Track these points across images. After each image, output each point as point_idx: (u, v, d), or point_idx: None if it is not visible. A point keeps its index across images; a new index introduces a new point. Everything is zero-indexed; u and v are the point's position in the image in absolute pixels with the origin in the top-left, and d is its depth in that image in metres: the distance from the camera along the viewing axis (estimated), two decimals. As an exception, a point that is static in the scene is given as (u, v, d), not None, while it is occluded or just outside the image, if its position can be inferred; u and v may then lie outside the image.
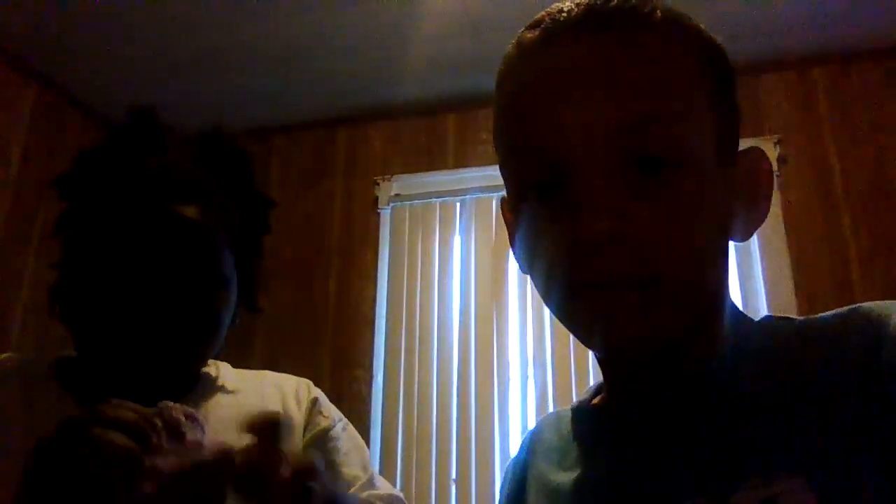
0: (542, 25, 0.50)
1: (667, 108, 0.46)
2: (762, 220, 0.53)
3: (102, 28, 2.19)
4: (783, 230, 2.19)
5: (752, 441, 0.43)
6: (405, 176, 2.57)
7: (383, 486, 0.91)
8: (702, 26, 0.51)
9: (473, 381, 2.28)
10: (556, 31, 0.49)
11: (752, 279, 2.19)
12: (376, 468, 1.96)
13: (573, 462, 0.56)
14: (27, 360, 0.88)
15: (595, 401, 0.59)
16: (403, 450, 2.28)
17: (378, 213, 2.56)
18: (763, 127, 2.30)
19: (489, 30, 2.19)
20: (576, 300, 0.47)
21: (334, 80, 2.51)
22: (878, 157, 2.20)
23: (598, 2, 0.48)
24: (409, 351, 2.37)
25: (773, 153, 2.25)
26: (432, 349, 2.35)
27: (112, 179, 0.85)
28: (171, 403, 0.59)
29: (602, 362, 0.55)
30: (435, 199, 2.52)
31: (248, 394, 0.91)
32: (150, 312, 0.79)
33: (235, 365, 0.96)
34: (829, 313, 0.48)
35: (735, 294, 2.23)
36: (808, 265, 2.15)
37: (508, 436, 2.22)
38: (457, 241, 2.49)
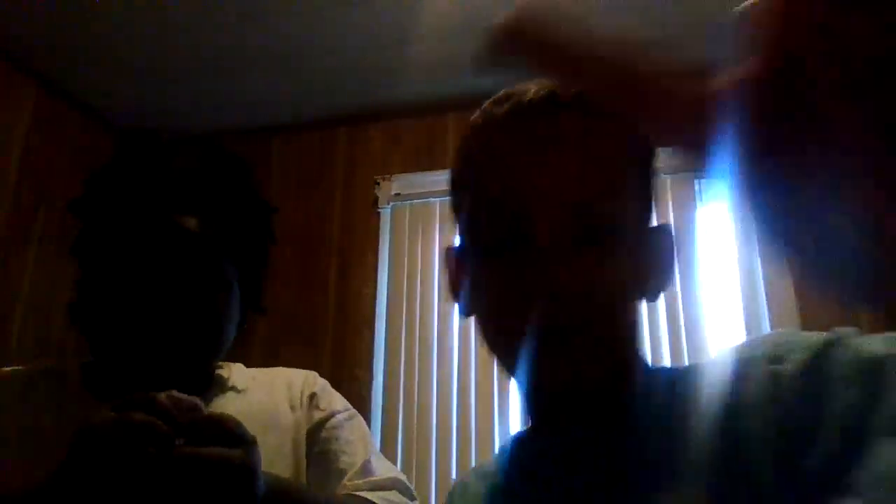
0: (511, 101, 0.58)
1: (612, 185, 0.55)
2: (667, 288, 0.61)
3: (103, 29, 2.20)
4: (783, 230, 2.19)
5: (659, 466, 0.51)
6: (405, 176, 2.57)
7: (382, 471, 0.92)
8: None
9: (473, 381, 2.28)
10: (523, 109, 0.56)
11: (752, 279, 2.19)
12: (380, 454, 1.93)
13: (507, 495, 0.62)
14: (55, 365, 0.93)
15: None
16: (403, 450, 2.28)
17: (378, 213, 2.56)
18: (763, 127, 2.30)
19: (489, 30, 2.19)
20: (529, 346, 0.54)
21: (334, 80, 2.51)
22: (878, 157, 2.20)
23: (559, 90, 0.55)
24: (409, 351, 2.37)
25: (773, 153, 2.25)
26: (432, 349, 2.35)
27: (119, 197, 0.89)
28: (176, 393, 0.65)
29: (534, 398, 0.61)
30: (435, 199, 2.52)
31: (256, 391, 0.95)
32: (156, 318, 0.83)
33: (240, 356, 1.00)
34: (711, 364, 0.55)
35: (735, 295, 2.24)
36: (808, 265, 2.15)
37: (508, 436, 2.21)
38: (457, 241, 2.48)
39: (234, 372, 0.97)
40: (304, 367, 1.05)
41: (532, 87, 0.57)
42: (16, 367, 0.91)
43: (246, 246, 0.93)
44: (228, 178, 0.95)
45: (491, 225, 0.56)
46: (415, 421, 2.29)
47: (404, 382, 2.35)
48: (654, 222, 0.61)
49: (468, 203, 0.59)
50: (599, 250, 0.54)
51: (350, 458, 0.91)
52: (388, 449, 2.28)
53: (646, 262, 0.58)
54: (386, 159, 2.64)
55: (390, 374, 2.37)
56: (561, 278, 0.52)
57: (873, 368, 0.41)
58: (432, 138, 2.60)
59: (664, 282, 0.61)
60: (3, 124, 2.29)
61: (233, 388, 0.94)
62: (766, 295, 2.16)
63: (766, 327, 2.12)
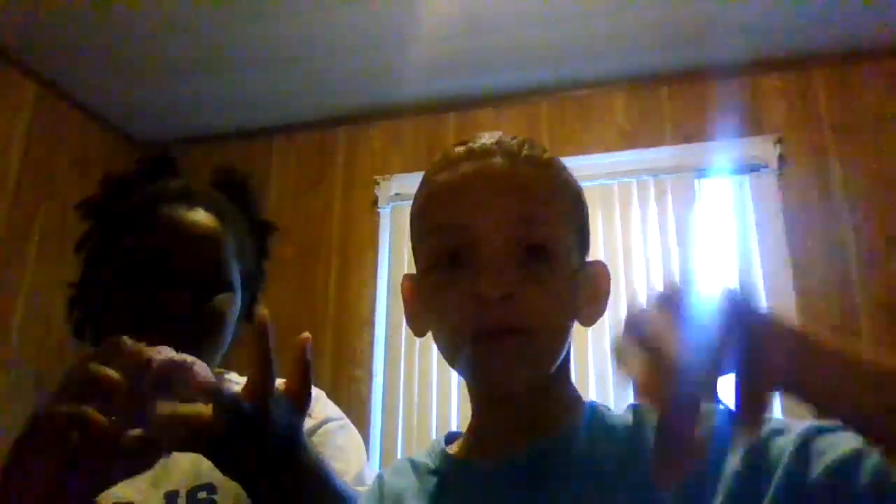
0: (467, 145, 0.68)
1: (549, 215, 0.65)
2: (601, 315, 0.69)
3: (102, 28, 2.20)
4: (783, 230, 2.19)
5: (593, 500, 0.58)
6: (405, 176, 2.56)
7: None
8: (569, 170, 0.71)
9: (473, 381, 2.28)
10: (476, 150, 0.66)
11: (751, 278, 2.19)
12: (376, 469, 1.94)
13: None
14: (45, 373, 0.93)
15: (455, 449, 0.70)
16: (403, 450, 2.28)
17: (378, 213, 2.56)
18: (763, 127, 2.30)
19: (489, 30, 2.19)
20: (474, 345, 0.61)
21: (334, 80, 2.51)
22: (878, 157, 2.20)
23: (507, 139, 0.67)
24: (409, 351, 2.38)
25: (773, 153, 2.25)
26: (432, 349, 2.35)
27: (133, 199, 0.92)
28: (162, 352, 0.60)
29: (476, 410, 0.69)
30: (435, 199, 2.51)
31: None
32: (160, 314, 0.82)
33: (234, 365, 1.00)
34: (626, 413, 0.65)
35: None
36: (808, 265, 2.15)
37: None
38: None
39: (231, 375, 0.98)
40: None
41: (485, 136, 0.68)
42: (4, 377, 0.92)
43: (249, 255, 0.96)
44: (238, 194, 0.99)
45: (445, 244, 0.64)
46: (415, 421, 2.29)
47: (404, 382, 2.35)
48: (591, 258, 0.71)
49: (427, 228, 0.67)
50: (536, 266, 0.62)
51: (343, 466, 0.89)
52: (388, 449, 2.28)
53: (580, 288, 0.66)
54: (386, 159, 2.64)
55: (390, 374, 2.37)
56: (497, 286, 0.60)
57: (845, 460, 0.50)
58: (432, 138, 2.60)
59: (597, 310, 0.70)
60: (3, 124, 2.29)
61: (229, 382, 0.94)
62: (767, 296, 2.16)
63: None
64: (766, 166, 2.26)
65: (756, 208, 2.24)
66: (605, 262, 0.71)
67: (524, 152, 0.66)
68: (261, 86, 2.53)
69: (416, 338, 0.74)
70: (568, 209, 0.67)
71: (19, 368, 2.19)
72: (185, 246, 0.86)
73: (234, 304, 0.90)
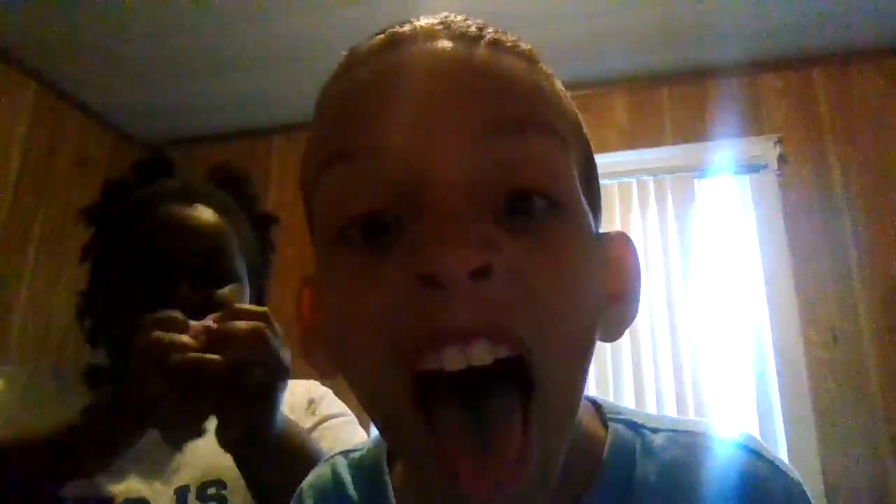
0: (389, 31, 0.41)
1: (543, 134, 0.36)
2: (631, 320, 0.42)
3: (102, 28, 2.19)
4: (783, 230, 2.19)
5: None
6: (405, 176, 2.56)
7: None
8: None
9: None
10: (405, 35, 0.39)
11: (753, 277, 2.19)
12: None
13: None
14: (61, 367, 0.94)
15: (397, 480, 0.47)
16: (403, 450, 2.27)
17: (378, 213, 2.56)
18: (763, 127, 2.30)
19: (489, 30, 2.19)
20: (416, 407, 0.33)
21: (334, 80, 2.50)
22: (878, 157, 2.20)
23: (459, 18, 0.40)
24: (409, 351, 2.37)
25: (773, 153, 2.25)
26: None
27: (132, 200, 0.93)
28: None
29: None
30: (435, 199, 2.51)
31: None
32: (171, 309, 0.82)
33: None
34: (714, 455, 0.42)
35: (735, 296, 2.24)
36: (808, 265, 2.15)
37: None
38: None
39: None
40: (304, 367, 1.05)
41: (419, 18, 0.41)
42: (23, 367, 0.93)
43: (252, 249, 0.97)
44: (236, 185, 1.00)
45: (359, 199, 0.35)
46: (415, 421, 2.29)
47: (404, 382, 2.34)
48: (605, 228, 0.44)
49: (324, 179, 0.38)
50: (529, 225, 0.34)
51: None
52: (388, 449, 2.28)
53: (598, 277, 0.38)
54: (386, 159, 2.63)
55: (390, 374, 2.37)
56: (462, 250, 0.31)
57: None
58: (432, 138, 2.60)
59: (624, 313, 0.41)
60: (3, 124, 2.29)
61: None
62: (767, 296, 2.16)
63: (767, 324, 2.12)
64: (766, 166, 2.26)
65: (756, 208, 2.25)
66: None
67: (489, 35, 0.38)
68: (261, 86, 2.52)
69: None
70: (568, 134, 0.39)
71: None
72: (189, 241, 0.87)
73: (242, 296, 0.90)
